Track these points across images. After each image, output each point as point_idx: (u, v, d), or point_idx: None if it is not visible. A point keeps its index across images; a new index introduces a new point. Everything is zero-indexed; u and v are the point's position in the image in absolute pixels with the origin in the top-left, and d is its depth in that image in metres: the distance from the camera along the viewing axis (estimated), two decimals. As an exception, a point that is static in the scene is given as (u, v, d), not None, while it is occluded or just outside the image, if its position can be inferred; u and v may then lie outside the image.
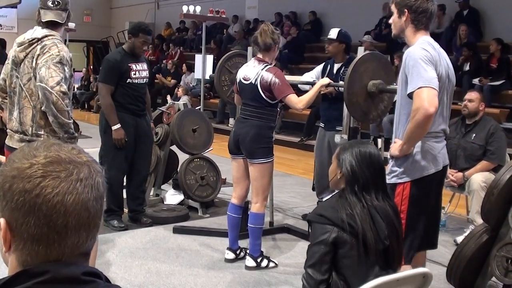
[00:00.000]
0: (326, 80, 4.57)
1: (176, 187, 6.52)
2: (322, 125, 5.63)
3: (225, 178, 6.90)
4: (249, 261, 4.58)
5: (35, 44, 3.56)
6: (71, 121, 3.58)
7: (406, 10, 3.17)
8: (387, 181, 3.20)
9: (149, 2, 22.21)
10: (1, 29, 22.18)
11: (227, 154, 4.83)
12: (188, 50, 17.91)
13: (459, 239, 4.79)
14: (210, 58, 9.24)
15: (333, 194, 2.87)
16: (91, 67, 21.03)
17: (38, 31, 3.62)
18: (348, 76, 3.61)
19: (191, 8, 8.56)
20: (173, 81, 15.46)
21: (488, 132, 5.26)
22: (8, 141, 3.74)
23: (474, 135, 5.32)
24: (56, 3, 3.69)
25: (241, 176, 4.69)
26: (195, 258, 4.78)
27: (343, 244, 2.60)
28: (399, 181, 3.13)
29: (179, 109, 6.58)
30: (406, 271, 2.24)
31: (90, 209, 1.09)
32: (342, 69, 5.42)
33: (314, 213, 2.81)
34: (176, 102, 7.20)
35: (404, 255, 3.10)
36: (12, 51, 3.75)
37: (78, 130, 3.80)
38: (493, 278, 3.55)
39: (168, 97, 12.91)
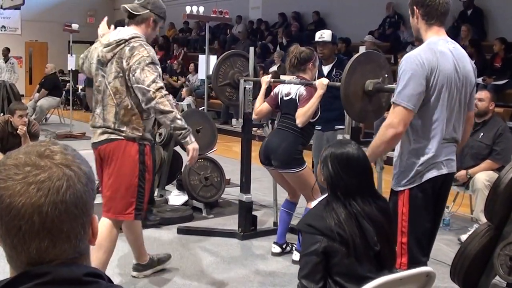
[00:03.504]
0: (324, 85, 4.49)
1: (180, 187, 6.53)
2: (318, 127, 5.38)
3: (229, 179, 6.91)
4: (296, 256, 4.65)
5: (123, 45, 3.69)
6: (175, 110, 3.68)
7: (415, 7, 3.11)
8: (391, 187, 3.20)
9: (152, 3, 22.22)
10: (4, 30, 22.22)
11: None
12: (192, 50, 17.93)
13: (463, 238, 4.78)
14: (213, 58, 9.23)
15: (321, 199, 2.84)
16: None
17: (122, 32, 3.75)
18: (344, 77, 3.60)
19: (195, 8, 8.57)
20: (181, 79, 15.48)
21: (496, 133, 5.26)
22: (92, 139, 3.87)
23: (482, 134, 5.31)
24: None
25: (282, 182, 4.91)
26: (199, 259, 4.79)
27: (334, 253, 2.58)
28: (400, 188, 3.11)
29: (182, 110, 6.59)
30: (409, 270, 2.24)
31: (43, 213, 1.05)
32: (334, 70, 5.46)
33: (303, 222, 2.77)
34: (179, 103, 7.22)
35: (408, 257, 3.09)
36: (95, 52, 3.88)
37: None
38: (497, 277, 3.55)
39: (171, 97, 12.91)
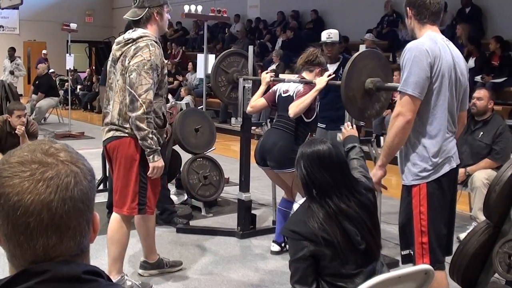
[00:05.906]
0: (323, 81, 4.51)
1: (179, 186, 6.53)
2: (322, 125, 5.41)
3: (228, 178, 6.90)
4: None
5: (130, 44, 3.74)
6: (148, 130, 3.66)
7: (408, 8, 3.21)
8: (403, 183, 3.19)
9: (150, 2, 22.18)
10: (3, 30, 22.23)
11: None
12: (190, 49, 17.92)
13: (462, 236, 4.79)
14: (212, 57, 9.26)
15: (302, 203, 2.83)
16: (93, 67, 21.05)
17: (135, 32, 3.78)
18: (346, 71, 3.61)
19: (193, 7, 8.57)
20: (179, 78, 15.50)
21: (496, 132, 5.27)
22: (102, 137, 3.94)
23: (481, 133, 5.31)
24: (134, 1, 3.84)
25: (278, 182, 4.92)
26: (199, 258, 4.79)
27: (322, 256, 2.59)
28: (414, 182, 3.10)
29: (181, 109, 6.60)
30: (407, 268, 2.24)
31: (53, 210, 1.05)
32: (341, 69, 5.42)
33: (287, 228, 2.75)
34: (178, 102, 7.21)
35: (430, 257, 3.07)
36: (112, 50, 3.93)
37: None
38: (496, 275, 3.55)
39: (170, 97, 12.91)
